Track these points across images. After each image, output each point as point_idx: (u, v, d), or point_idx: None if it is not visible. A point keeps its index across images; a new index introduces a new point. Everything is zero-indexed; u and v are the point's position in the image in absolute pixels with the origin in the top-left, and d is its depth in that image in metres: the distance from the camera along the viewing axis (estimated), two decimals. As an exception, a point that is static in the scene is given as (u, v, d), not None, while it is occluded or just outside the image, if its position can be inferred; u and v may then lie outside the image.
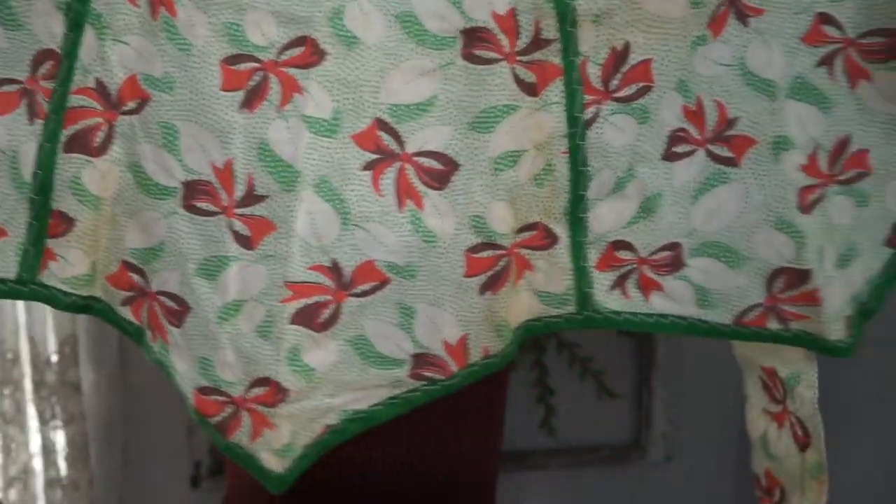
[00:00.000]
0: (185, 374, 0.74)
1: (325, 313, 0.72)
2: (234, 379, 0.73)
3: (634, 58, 0.70)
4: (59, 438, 1.34)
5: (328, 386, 0.74)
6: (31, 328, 1.30)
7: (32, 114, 0.69)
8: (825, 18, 0.75)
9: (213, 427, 0.75)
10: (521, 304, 0.76)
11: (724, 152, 0.75)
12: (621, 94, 0.71)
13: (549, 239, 0.74)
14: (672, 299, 0.78)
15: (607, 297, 0.76)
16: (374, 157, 0.70)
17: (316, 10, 0.66)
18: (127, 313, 0.75)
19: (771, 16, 0.73)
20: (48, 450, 1.34)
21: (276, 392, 0.73)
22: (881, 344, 1.29)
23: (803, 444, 0.95)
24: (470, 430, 0.99)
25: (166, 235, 0.71)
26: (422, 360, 0.76)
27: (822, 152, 0.77)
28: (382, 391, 0.76)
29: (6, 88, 0.68)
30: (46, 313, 1.31)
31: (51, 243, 0.71)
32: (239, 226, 0.70)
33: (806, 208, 0.77)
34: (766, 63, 0.74)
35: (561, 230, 0.74)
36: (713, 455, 1.66)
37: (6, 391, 1.32)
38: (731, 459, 1.66)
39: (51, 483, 1.35)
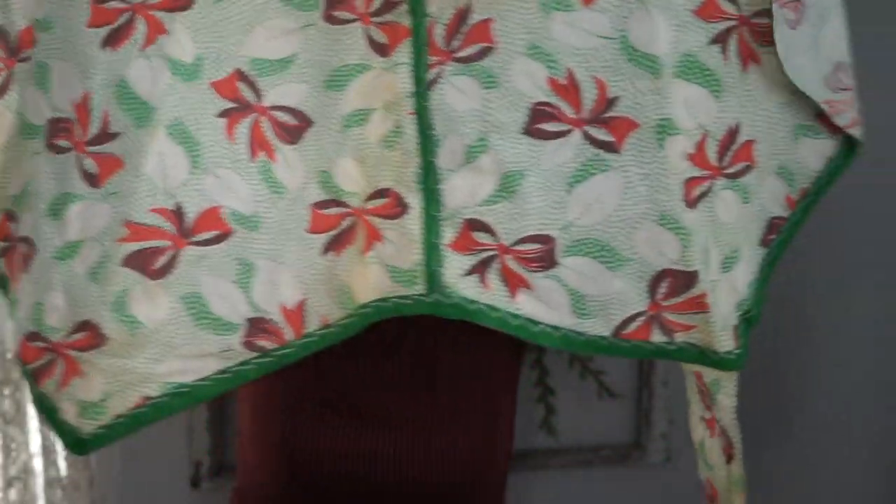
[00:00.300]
0: (20, 321, 0.70)
1: (162, 260, 0.69)
2: (59, 324, 0.69)
3: (475, 17, 0.69)
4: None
5: (154, 347, 0.70)
6: (31, 328, 1.30)
7: None
8: None
9: (29, 375, 0.72)
10: (368, 277, 0.73)
11: (604, 135, 0.70)
12: (462, 54, 0.69)
13: (401, 208, 0.72)
14: (542, 302, 0.73)
15: (460, 282, 0.72)
16: (231, 105, 0.70)
17: None
18: (2, 265, 0.72)
19: None
20: (48, 450, 1.34)
21: (94, 337, 0.69)
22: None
23: (729, 456, 0.92)
24: (479, 431, 0.99)
25: (31, 177, 0.69)
26: (257, 325, 0.73)
27: (711, 141, 0.71)
28: (211, 362, 0.73)
29: None
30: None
31: None
32: (88, 163, 0.68)
33: (691, 202, 0.71)
34: (650, 37, 0.68)
35: (414, 200, 0.71)
36: (713, 455, 1.66)
37: (6, 391, 1.32)
38: (731, 459, 1.66)
39: (51, 483, 1.35)
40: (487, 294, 0.72)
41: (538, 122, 0.70)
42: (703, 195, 0.71)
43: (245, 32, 0.69)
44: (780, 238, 0.78)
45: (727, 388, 0.86)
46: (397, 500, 0.97)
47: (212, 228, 0.70)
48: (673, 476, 1.64)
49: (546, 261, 0.72)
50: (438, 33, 0.70)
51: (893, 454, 1.31)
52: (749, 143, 0.73)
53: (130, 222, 0.68)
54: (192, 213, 0.69)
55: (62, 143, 0.68)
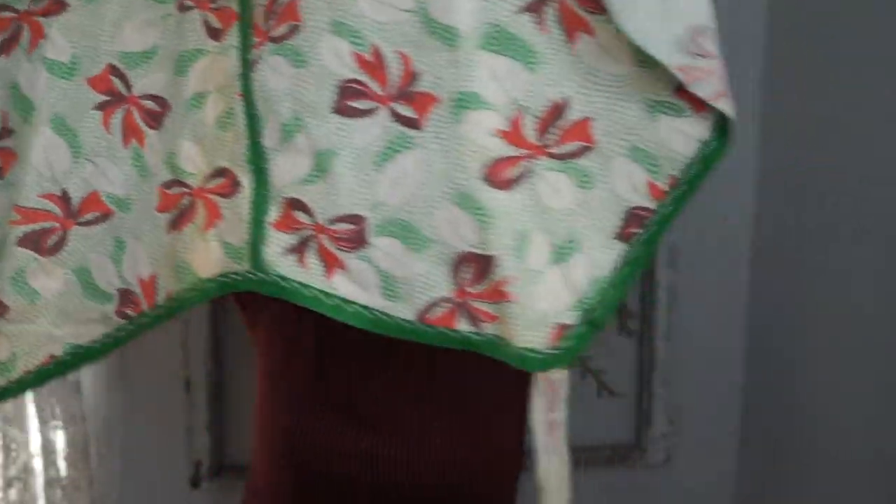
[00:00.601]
0: None
1: (53, 239, 0.77)
2: None
3: None
4: (59, 438, 1.33)
5: (52, 314, 0.79)
6: (31, 328, 1.30)
7: None
8: None
9: None
10: (209, 254, 0.76)
11: (408, 112, 0.69)
12: (275, 33, 0.70)
13: (234, 187, 0.74)
14: (356, 283, 0.72)
15: (278, 260, 0.73)
16: (106, 98, 0.76)
17: None
18: None
19: None
20: (48, 450, 1.34)
21: None
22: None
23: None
24: (483, 432, 0.99)
25: None
26: (125, 296, 0.79)
27: (528, 117, 0.67)
28: (97, 327, 0.80)
29: None
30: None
31: None
32: None
33: (503, 183, 0.67)
34: (449, 7, 0.66)
35: (245, 179, 0.73)
36: (713, 455, 1.66)
37: (6, 391, 1.32)
38: (730, 460, 1.66)
39: (51, 483, 1.35)
40: (304, 273, 0.73)
41: (347, 99, 0.70)
42: (522, 176, 0.67)
43: (116, 28, 0.74)
44: (646, 233, 0.70)
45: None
46: (399, 501, 0.97)
47: (95, 210, 0.77)
48: (673, 476, 1.65)
49: (358, 241, 0.71)
50: (259, 14, 0.71)
51: (894, 454, 1.31)
52: (584, 120, 0.67)
53: (20, 207, 0.76)
54: (76, 197, 0.77)
55: None
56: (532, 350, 0.70)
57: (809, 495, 1.46)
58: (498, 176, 0.67)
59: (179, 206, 0.76)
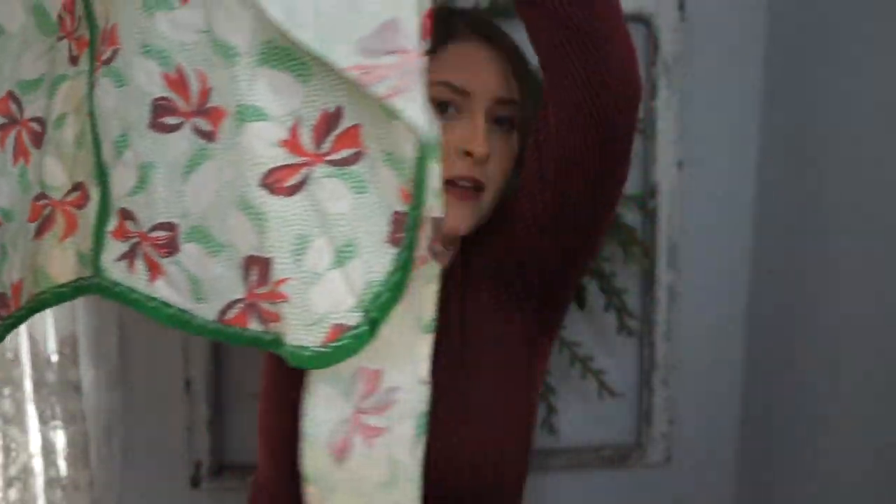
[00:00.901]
0: None
1: None
2: None
3: (108, 25, 0.76)
4: (59, 438, 1.33)
5: None
6: (31, 328, 1.30)
7: None
8: None
9: None
10: (66, 261, 0.84)
11: (205, 126, 0.73)
12: (104, 57, 0.77)
13: (86, 199, 0.82)
14: (173, 286, 0.79)
15: (112, 266, 0.81)
16: (4, 121, 0.79)
17: None
18: None
19: None
20: (48, 450, 1.34)
21: None
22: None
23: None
24: (489, 429, 0.99)
25: None
26: (2, 299, 0.83)
27: (305, 126, 0.69)
28: None
29: None
30: (46, 313, 1.31)
31: None
32: None
33: (283, 190, 0.70)
34: (229, 26, 0.69)
35: (94, 192, 0.81)
36: (713, 455, 1.66)
37: (6, 391, 1.32)
38: (730, 459, 1.67)
39: (51, 483, 1.35)
40: (132, 277, 0.80)
41: (159, 116, 0.75)
42: (303, 183, 0.70)
43: (16, 60, 0.78)
44: (407, 238, 0.70)
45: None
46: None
47: None
48: (673, 476, 1.65)
49: (171, 247, 0.78)
50: (97, 40, 0.78)
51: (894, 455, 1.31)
52: (355, 127, 0.69)
53: None
54: None
55: None
56: (304, 348, 0.72)
57: (809, 495, 1.46)
58: (278, 183, 0.70)
59: (42, 216, 0.82)
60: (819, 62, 1.40)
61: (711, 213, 1.57)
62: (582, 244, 0.93)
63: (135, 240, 0.79)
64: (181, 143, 0.75)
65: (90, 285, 0.83)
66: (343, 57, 0.65)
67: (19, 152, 0.80)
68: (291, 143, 0.69)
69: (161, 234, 0.77)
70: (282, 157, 0.69)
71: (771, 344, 1.57)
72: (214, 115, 0.72)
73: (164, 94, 0.74)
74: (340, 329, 0.71)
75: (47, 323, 1.30)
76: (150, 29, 0.73)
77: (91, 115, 0.79)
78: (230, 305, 0.76)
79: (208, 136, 0.73)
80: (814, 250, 1.43)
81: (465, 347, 0.96)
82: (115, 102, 0.77)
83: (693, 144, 1.52)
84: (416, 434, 0.77)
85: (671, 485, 1.65)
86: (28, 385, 1.33)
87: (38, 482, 1.36)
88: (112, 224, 0.80)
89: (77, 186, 0.82)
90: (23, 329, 1.30)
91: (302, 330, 0.71)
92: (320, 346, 0.71)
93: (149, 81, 0.74)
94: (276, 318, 0.73)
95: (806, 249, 1.45)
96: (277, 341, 0.74)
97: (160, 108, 0.74)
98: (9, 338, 1.29)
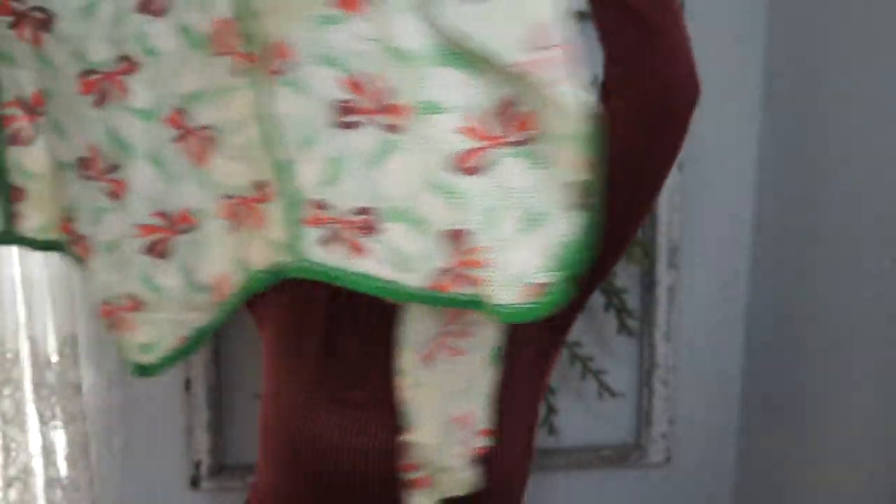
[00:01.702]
0: (96, 292, 1.00)
1: (163, 246, 0.96)
2: (114, 295, 0.99)
3: (275, 40, 0.85)
4: (59, 438, 1.34)
5: (176, 304, 0.99)
6: (31, 328, 1.30)
7: None
8: None
9: (108, 326, 1.02)
10: (261, 249, 0.95)
11: (389, 121, 0.83)
12: (280, 69, 0.86)
13: (272, 194, 0.92)
14: (376, 261, 0.88)
15: (313, 249, 0.91)
16: (178, 132, 0.93)
17: (127, 34, 0.90)
18: (75, 250, 1.01)
19: None
20: (48, 450, 1.34)
21: (136, 304, 0.99)
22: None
23: None
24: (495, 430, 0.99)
25: (75, 195, 0.97)
26: (214, 287, 0.98)
27: (481, 115, 0.81)
28: (206, 312, 1.00)
29: None
30: (46, 314, 1.31)
31: (15, 207, 1.01)
32: (108, 186, 0.95)
33: (471, 170, 0.82)
34: (406, 35, 0.80)
35: (277, 188, 0.91)
36: (713, 455, 1.66)
37: (6, 391, 1.32)
38: (730, 459, 1.67)
39: (51, 483, 1.35)
40: (335, 258, 0.90)
41: (343, 115, 0.85)
42: (486, 163, 0.81)
43: (176, 78, 0.91)
44: (594, 201, 0.83)
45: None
46: (402, 498, 0.97)
47: (185, 222, 0.95)
48: (673, 476, 1.65)
49: (371, 227, 0.87)
50: (268, 55, 0.86)
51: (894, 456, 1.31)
52: (528, 112, 0.80)
53: (137, 224, 0.95)
54: (173, 212, 0.95)
55: (88, 173, 0.95)
56: (502, 306, 0.83)
57: (809, 495, 1.46)
58: (463, 164, 0.81)
59: (235, 214, 0.95)
60: (819, 62, 1.40)
61: (711, 213, 1.57)
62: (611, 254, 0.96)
63: (333, 225, 0.88)
64: (366, 138, 0.84)
65: (292, 268, 0.93)
66: (509, 55, 0.78)
67: (195, 157, 0.93)
68: (471, 130, 0.80)
69: (360, 217, 0.87)
70: (465, 143, 0.81)
71: (771, 344, 1.57)
72: (396, 111, 0.82)
73: (345, 97, 0.84)
74: (534, 288, 0.82)
75: (47, 323, 1.31)
76: (325, 41, 0.83)
77: (267, 120, 0.89)
78: (434, 273, 0.85)
79: (393, 129, 0.83)
80: (814, 250, 1.43)
81: None
82: (295, 108, 0.86)
83: (693, 144, 1.52)
84: (489, 360, 0.96)
85: (671, 485, 1.65)
86: (28, 385, 1.33)
87: (38, 482, 1.36)
88: (303, 213, 0.90)
89: (259, 184, 0.92)
90: (23, 329, 1.30)
91: (499, 290, 0.83)
92: (516, 304, 0.83)
93: (328, 86, 0.84)
94: (476, 281, 0.84)
95: (806, 250, 1.45)
96: (478, 302, 0.85)
97: (342, 109, 0.84)
98: (9, 338, 1.30)
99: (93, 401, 1.42)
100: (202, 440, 1.48)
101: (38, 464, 1.34)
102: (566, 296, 0.82)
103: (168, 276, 0.98)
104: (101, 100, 0.92)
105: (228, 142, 0.92)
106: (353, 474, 0.96)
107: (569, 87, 0.78)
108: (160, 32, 0.89)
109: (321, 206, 0.88)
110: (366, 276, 0.89)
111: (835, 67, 1.36)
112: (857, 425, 1.33)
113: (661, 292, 1.55)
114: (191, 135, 0.92)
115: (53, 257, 1.23)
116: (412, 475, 0.96)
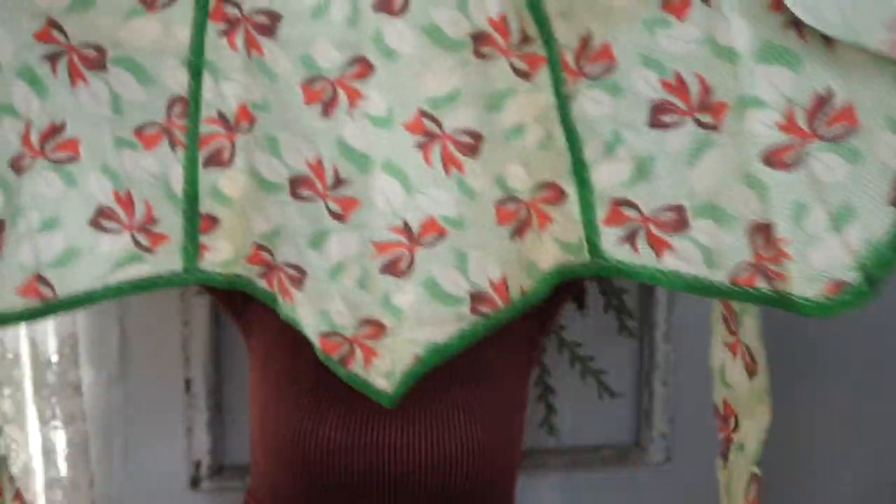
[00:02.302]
0: (310, 325, 0.95)
1: (404, 262, 0.92)
2: (346, 323, 0.95)
3: (597, 42, 0.85)
4: (59, 438, 1.34)
5: (411, 323, 0.94)
6: (32, 328, 1.30)
7: (173, 145, 0.92)
8: None
9: (335, 362, 0.96)
10: (547, 251, 0.93)
11: (708, 119, 0.83)
12: (591, 71, 0.86)
13: (561, 195, 0.90)
14: (682, 258, 0.87)
15: (614, 249, 0.89)
16: (422, 138, 0.90)
17: (362, 35, 0.87)
18: (263, 284, 0.97)
19: None
20: (48, 450, 1.34)
21: (377, 329, 0.94)
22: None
23: (752, 371, 1.01)
24: (491, 428, 0.99)
25: (282, 220, 0.93)
26: (477, 297, 0.94)
27: (798, 109, 0.80)
28: (452, 325, 0.95)
29: (149, 130, 0.91)
30: (46, 313, 1.31)
31: (203, 238, 0.95)
32: (333, 205, 0.91)
33: (782, 165, 0.81)
34: (728, 32, 0.80)
35: (569, 188, 0.89)
36: (713, 455, 1.66)
37: (6, 391, 1.32)
38: (731, 459, 1.66)
39: (51, 483, 1.35)
40: (637, 256, 0.89)
41: (658, 115, 0.85)
42: (800, 158, 0.80)
43: (418, 79, 0.89)
44: None
45: (752, 310, 0.96)
46: (409, 495, 0.97)
47: (433, 231, 0.92)
48: (673, 476, 1.65)
49: (680, 225, 0.86)
50: (569, 57, 0.86)
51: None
52: (848, 105, 0.79)
53: (375, 242, 0.92)
54: (415, 224, 0.92)
55: (306, 193, 0.92)
56: (806, 300, 0.83)
57: (809, 494, 1.46)
58: (777, 158, 0.81)
59: (518, 218, 0.93)
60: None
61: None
62: None
63: (636, 224, 0.88)
64: (682, 137, 0.84)
65: (582, 268, 0.91)
66: (870, 38, 0.76)
67: (448, 162, 0.92)
68: (787, 125, 0.80)
69: (668, 215, 0.86)
70: (779, 138, 0.80)
71: (770, 343, 1.56)
72: (716, 108, 0.82)
73: (663, 97, 0.84)
74: (840, 285, 0.82)
75: (47, 323, 1.30)
76: (649, 44, 0.83)
77: (563, 121, 0.88)
78: (740, 268, 0.85)
79: (711, 127, 0.83)
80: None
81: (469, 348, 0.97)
82: (608, 109, 0.86)
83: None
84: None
85: (671, 485, 1.65)
86: (28, 385, 1.33)
87: (38, 482, 1.36)
88: (600, 213, 0.89)
89: (546, 185, 0.91)
90: (23, 329, 1.30)
91: (804, 284, 0.82)
92: (821, 299, 0.82)
93: (648, 88, 0.84)
94: (781, 276, 0.83)
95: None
96: (782, 299, 0.84)
97: (659, 109, 0.84)
98: (9, 338, 1.30)
99: (93, 401, 1.42)
100: (202, 440, 1.48)
101: (38, 464, 1.34)
102: (864, 298, 0.81)
103: (406, 294, 0.93)
104: (330, 108, 0.88)
105: (503, 146, 0.90)
106: (363, 473, 0.97)
107: None
108: (399, 32, 0.87)
109: (626, 204, 0.88)
110: (676, 274, 0.88)
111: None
112: (858, 424, 1.33)
113: (661, 292, 1.55)
114: (441, 139, 0.90)
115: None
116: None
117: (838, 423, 1.42)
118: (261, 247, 0.95)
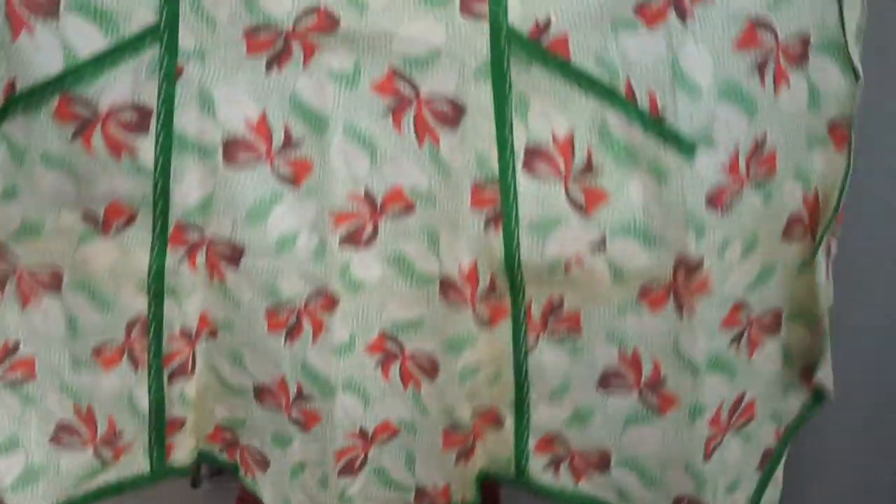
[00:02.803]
0: (267, 500, 0.98)
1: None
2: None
3: (567, 308, 0.87)
4: (59, 438, 1.33)
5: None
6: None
7: (135, 364, 0.90)
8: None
9: None
10: (481, 458, 0.98)
11: (653, 401, 0.89)
12: (556, 329, 0.88)
13: (500, 421, 0.95)
14: (599, 488, 0.96)
15: (540, 475, 0.96)
16: (382, 356, 0.90)
17: (329, 268, 0.84)
18: (225, 456, 1.00)
19: None
20: (48, 450, 1.33)
21: None
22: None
23: None
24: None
25: (245, 415, 0.93)
26: (421, 493, 0.97)
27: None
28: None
29: (107, 351, 0.89)
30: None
31: (170, 440, 0.95)
32: (296, 415, 0.92)
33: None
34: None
35: (508, 419, 0.94)
36: None
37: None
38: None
39: (51, 483, 1.34)
40: (558, 482, 0.96)
41: (608, 378, 0.90)
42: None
43: (382, 306, 0.89)
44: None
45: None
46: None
47: (387, 433, 0.94)
48: None
49: (603, 466, 0.94)
50: (535, 312, 0.88)
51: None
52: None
53: (336, 451, 0.92)
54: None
55: (268, 402, 0.91)
56: None
57: (809, 494, 1.46)
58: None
59: (464, 445, 0.96)
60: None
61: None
62: None
63: (562, 454, 0.95)
64: (621, 403, 0.92)
65: (508, 479, 0.98)
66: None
67: (408, 380, 0.93)
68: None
69: (594, 455, 0.95)
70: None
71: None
72: (665, 398, 0.89)
73: (617, 368, 0.90)
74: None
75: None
76: (618, 325, 0.87)
77: (516, 366, 0.92)
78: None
79: (655, 408, 0.90)
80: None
81: None
82: (564, 365, 0.92)
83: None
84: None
85: None
86: (28, 385, 1.32)
87: (38, 482, 1.35)
88: (533, 443, 0.95)
89: (486, 412, 0.94)
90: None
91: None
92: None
93: (605, 356, 0.90)
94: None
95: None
96: None
97: (611, 374, 0.90)
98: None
99: (93, 401, 1.41)
100: (202, 440, 1.48)
101: (37, 464, 1.34)
102: None
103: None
104: (295, 335, 0.88)
105: (454, 382, 0.91)
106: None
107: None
108: (366, 263, 0.86)
109: (556, 438, 0.94)
110: (592, 499, 0.96)
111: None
112: (859, 424, 1.33)
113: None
114: (399, 359, 0.91)
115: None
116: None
117: (838, 422, 1.42)
118: (224, 428, 0.97)
